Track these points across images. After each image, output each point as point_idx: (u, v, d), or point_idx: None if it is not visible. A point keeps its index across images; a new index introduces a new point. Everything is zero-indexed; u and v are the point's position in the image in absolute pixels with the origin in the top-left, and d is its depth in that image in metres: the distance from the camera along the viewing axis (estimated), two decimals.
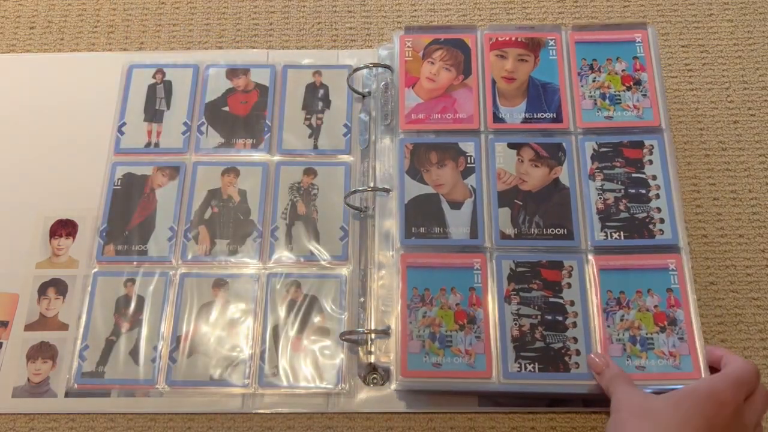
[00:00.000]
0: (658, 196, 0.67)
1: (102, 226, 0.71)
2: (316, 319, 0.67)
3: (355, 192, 0.71)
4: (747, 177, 0.74)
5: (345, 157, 0.74)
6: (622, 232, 0.66)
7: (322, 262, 0.70)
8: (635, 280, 0.65)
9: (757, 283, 0.69)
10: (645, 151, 0.69)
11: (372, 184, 0.71)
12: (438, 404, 0.64)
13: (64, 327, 0.68)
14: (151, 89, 0.78)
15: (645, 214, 0.66)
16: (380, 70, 0.76)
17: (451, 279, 0.65)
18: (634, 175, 0.68)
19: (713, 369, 0.61)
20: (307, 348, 0.66)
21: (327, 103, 0.77)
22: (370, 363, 0.65)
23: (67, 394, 0.66)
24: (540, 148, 0.70)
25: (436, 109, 0.71)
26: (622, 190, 0.68)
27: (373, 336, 0.65)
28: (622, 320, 0.63)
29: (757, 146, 0.75)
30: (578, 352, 0.62)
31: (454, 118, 0.71)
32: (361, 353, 0.66)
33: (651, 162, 0.68)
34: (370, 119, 0.75)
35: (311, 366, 0.66)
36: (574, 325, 0.63)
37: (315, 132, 0.75)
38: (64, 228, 0.72)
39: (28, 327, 0.68)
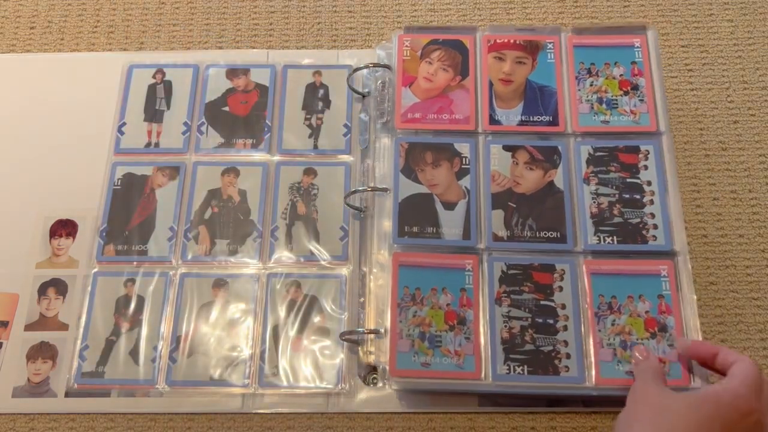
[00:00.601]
0: (652, 202, 0.67)
1: (102, 226, 0.71)
2: (316, 319, 0.67)
3: (355, 192, 0.71)
4: (747, 177, 0.74)
5: (345, 157, 0.74)
6: (615, 237, 0.66)
7: (322, 262, 0.70)
8: (627, 285, 0.64)
9: (757, 283, 0.69)
10: (640, 156, 0.69)
11: (372, 184, 0.71)
12: (438, 404, 0.64)
13: (64, 327, 0.68)
14: (151, 89, 0.78)
15: (638, 220, 0.66)
16: (380, 70, 0.76)
17: (443, 279, 0.65)
18: (629, 180, 0.68)
19: (705, 365, 0.60)
20: (307, 348, 0.66)
21: (327, 103, 0.77)
22: (370, 363, 0.65)
23: (67, 394, 0.66)
24: (535, 151, 0.70)
25: (432, 109, 0.71)
26: (617, 195, 0.67)
27: (373, 336, 0.65)
28: (613, 325, 0.63)
29: (757, 146, 0.75)
30: (568, 356, 0.62)
31: (450, 118, 0.71)
32: (361, 353, 0.66)
33: (646, 167, 0.68)
34: (370, 119, 0.75)
35: (311, 366, 0.66)
36: (565, 328, 0.63)
37: (315, 132, 0.75)
38: (64, 228, 0.72)
39: (28, 327, 0.68)
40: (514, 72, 0.73)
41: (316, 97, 0.77)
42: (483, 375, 0.62)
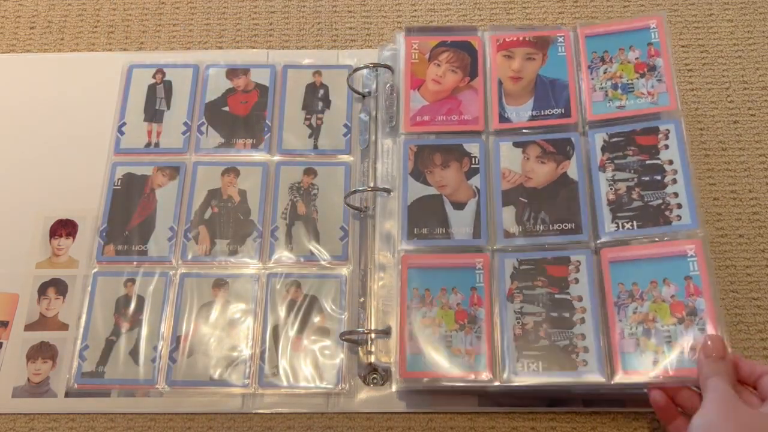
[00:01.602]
0: (675, 181, 0.64)
1: (102, 226, 0.71)
2: (316, 319, 0.67)
3: (355, 192, 0.71)
4: (747, 177, 0.74)
5: (345, 157, 0.74)
6: (635, 222, 0.64)
7: (322, 262, 0.70)
8: (649, 270, 0.61)
9: (757, 283, 0.69)
10: (660, 136, 0.67)
11: (372, 184, 0.71)
12: (438, 404, 0.64)
13: (64, 327, 0.68)
14: (151, 89, 0.78)
15: (660, 201, 0.64)
16: (381, 70, 0.75)
17: (453, 279, 0.64)
18: (648, 162, 0.66)
19: (744, 383, 0.56)
20: (307, 348, 0.66)
21: (327, 103, 0.77)
22: (370, 363, 0.65)
23: (67, 394, 0.66)
24: (547, 144, 0.69)
25: (441, 111, 0.71)
26: (635, 179, 0.65)
27: (373, 336, 0.65)
28: (634, 313, 0.61)
29: (757, 146, 0.75)
30: (586, 349, 0.61)
31: (459, 119, 0.71)
32: (361, 353, 0.66)
33: (667, 147, 0.66)
34: (370, 119, 0.75)
35: (311, 366, 0.66)
36: (582, 321, 0.61)
37: (315, 132, 0.75)
38: (64, 228, 0.72)
39: (28, 327, 0.68)
40: (523, 69, 0.72)
41: (316, 97, 0.77)
42: (495, 373, 0.61)
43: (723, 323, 0.59)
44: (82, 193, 0.73)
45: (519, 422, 0.64)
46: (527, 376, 0.61)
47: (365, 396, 0.65)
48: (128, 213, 0.72)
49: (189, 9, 0.84)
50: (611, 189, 0.66)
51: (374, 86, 0.76)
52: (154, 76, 0.78)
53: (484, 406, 0.64)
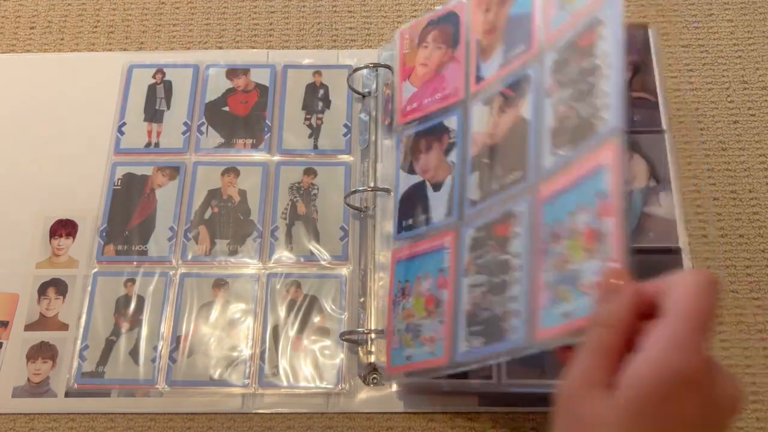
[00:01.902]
0: (608, 78, 0.48)
1: (102, 226, 0.71)
2: (316, 319, 0.67)
3: (355, 192, 0.71)
4: (747, 177, 0.74)
5: (345, 157, 0.74)
6: (568, 146, 0.50)
7: (322, 262, 0.70)
8: (569, 200, 0.48)
9: (757, 283, 0.69)
10: (599, 29, 0.50)
11: (372, 184, 0.71)
12: (438, 404, 0.64)
13: (64, 327, 0.68)
14: (151, 89, 0.78)
15: (590, 109, 0.49)
16: (381, 70, 0.75)
17: (426, 264, 0.61)
18: (585, 65, 0.50)
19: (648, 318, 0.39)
20: (307, 348, 0.66)
21: (327, 103, 0.77)
22: (370, 363, 0.65)
23: (67, 394, 0.66)
24: (507, 90, 0.59)
25: (427, 93, 0.69)
26: (574, 93, 0.51)
27: (373, 336, 0.65)
28: (554, 258, 0.48)
29: (757, 146, 0.75)
30: (517, 313, 0.50)
31: (442, 96, 0.67)
32: (361, 353, 0.66)
33: (603, 38, 0.49)
34: (370, 119, 0.75)
35: (311, 366, 0.66)
36: (516, 281, 0.51)
37: (315, 132, 0.75)
38: (64, 228, 0.72)
39: (28, 327, 0.68)
40: (496, 17, 0.64)
41: (316, 97, 0.77)
42: (448, 358, 0.55)
43: (627, 246, 0.42)
44: (82, 193, 0.73)
45: (519, 422, 0.64)
46: (471, 356, 0.53)
47: (365, 396, 0.65)
48: (128, 213, 0.72)
49: (189, 9, 0.84)
50: (553, 114, 0.53)
51: (374, 86, 0.76)
52: (154, 76, 0.78)
53: (484, 406, 0.64)
